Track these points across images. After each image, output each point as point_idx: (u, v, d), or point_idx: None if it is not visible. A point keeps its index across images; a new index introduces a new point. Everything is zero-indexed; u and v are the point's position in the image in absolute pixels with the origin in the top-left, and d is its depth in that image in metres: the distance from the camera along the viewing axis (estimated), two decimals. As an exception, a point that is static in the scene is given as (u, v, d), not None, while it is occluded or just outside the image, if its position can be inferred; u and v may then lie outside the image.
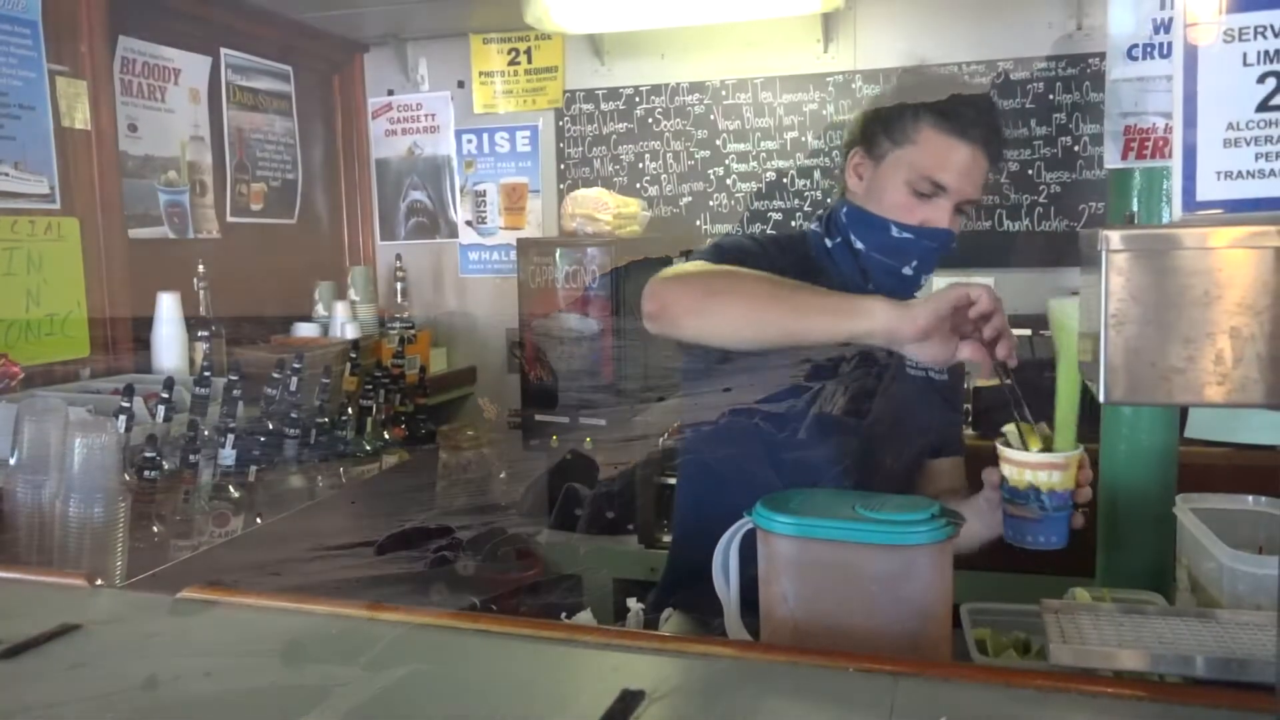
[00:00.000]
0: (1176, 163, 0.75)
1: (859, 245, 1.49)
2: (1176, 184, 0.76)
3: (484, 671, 1.03)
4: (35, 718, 0.93)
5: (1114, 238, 0.68)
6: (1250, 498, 1.28)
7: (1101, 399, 0.70)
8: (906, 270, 1.47)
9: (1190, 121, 0.75)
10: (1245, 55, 0.72)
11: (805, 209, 3.10)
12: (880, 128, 1.46)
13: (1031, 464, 1.19)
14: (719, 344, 1.33)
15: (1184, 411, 2.01)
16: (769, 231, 1.66)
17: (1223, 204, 0.74)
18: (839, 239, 1.51)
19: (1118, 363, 0.69)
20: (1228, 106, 0.73)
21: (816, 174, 3.09)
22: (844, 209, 1.51)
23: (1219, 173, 0.73)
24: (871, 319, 1.17)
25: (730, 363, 1.44)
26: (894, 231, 1.44)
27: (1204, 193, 0.74)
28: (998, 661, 1.15)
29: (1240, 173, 0.73)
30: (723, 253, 1.44)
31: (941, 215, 1.42)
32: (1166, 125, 1.53)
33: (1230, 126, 0.73)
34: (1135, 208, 1.61)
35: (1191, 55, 0.75)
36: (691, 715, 0.90)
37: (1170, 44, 1.53)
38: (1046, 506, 1.19)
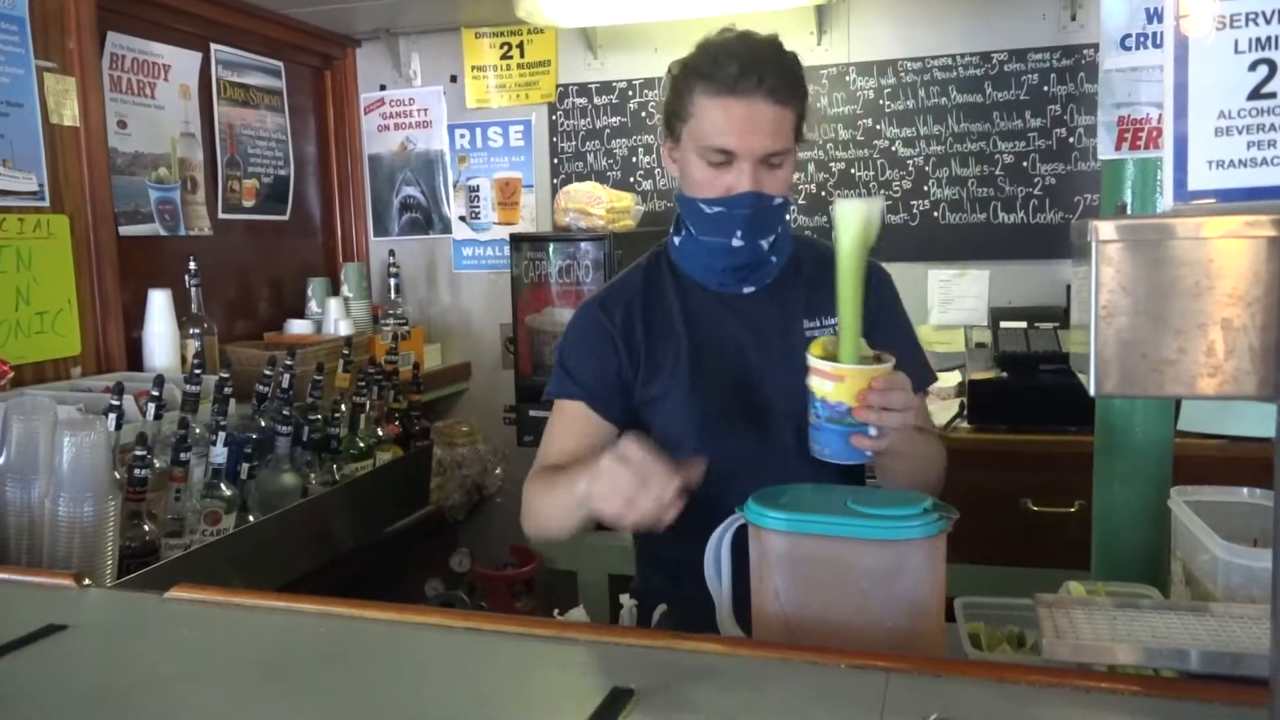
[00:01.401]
0: (1167, 152, 0.75)
1: (692, 230, 1.48)
2: (1168, 174, 0.75)
3: (474, 670, 1.02)
4: (20, 718, 0.92)
5: (1104, 228, 0.67)
6: (1245, 490, 1.27)
7: (1092, 391, 0.69)
8: (736, 241, 1.42)
9: (1181, 111, 0.74)
10: (1236, 43, 0.71)
11: (800, 202, 3.09)
12: (671, 110, 1.44)
13: (811, 368, 1.20)
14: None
15: (1177, 404, 2.00)
16: (615, 276, 1.66)
17: (1214, 193, 0.73)
18: (683, 231, 1.51)
19: (1109, 354, 0.68)
20: (1219, 95, 0.72)
21: (811, 167, 3.08)
22: (677, 201, 1.51)
23: (1210, 162, 0.72)
24: (582, 486, 1.26)
25: None
26: (705, 209, 1.41)
27: (1195, 182, 0.73)
28: (990, 656, 1.14)
29: (1232, 162, 0.72)
30: (560, 373, 1.53)
31: (742, 179, 1.37)
32: (1160, 115, 1.52)
33: (1222, 115, 0.72)
34: (1129, 199, 1.60)
35: (1182, 44, 0.74)
36: (681, 713, 0.89)
37: (1164, 34, 1.52)
38: (819, 415, 1.20)
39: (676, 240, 1.54)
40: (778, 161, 1.39)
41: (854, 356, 1.19)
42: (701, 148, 1.38)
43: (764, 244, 1.45)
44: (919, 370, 1.52)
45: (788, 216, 1.53)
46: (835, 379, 1.17)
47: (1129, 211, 1.59)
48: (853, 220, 1.16)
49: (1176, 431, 1.67)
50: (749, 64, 1.34)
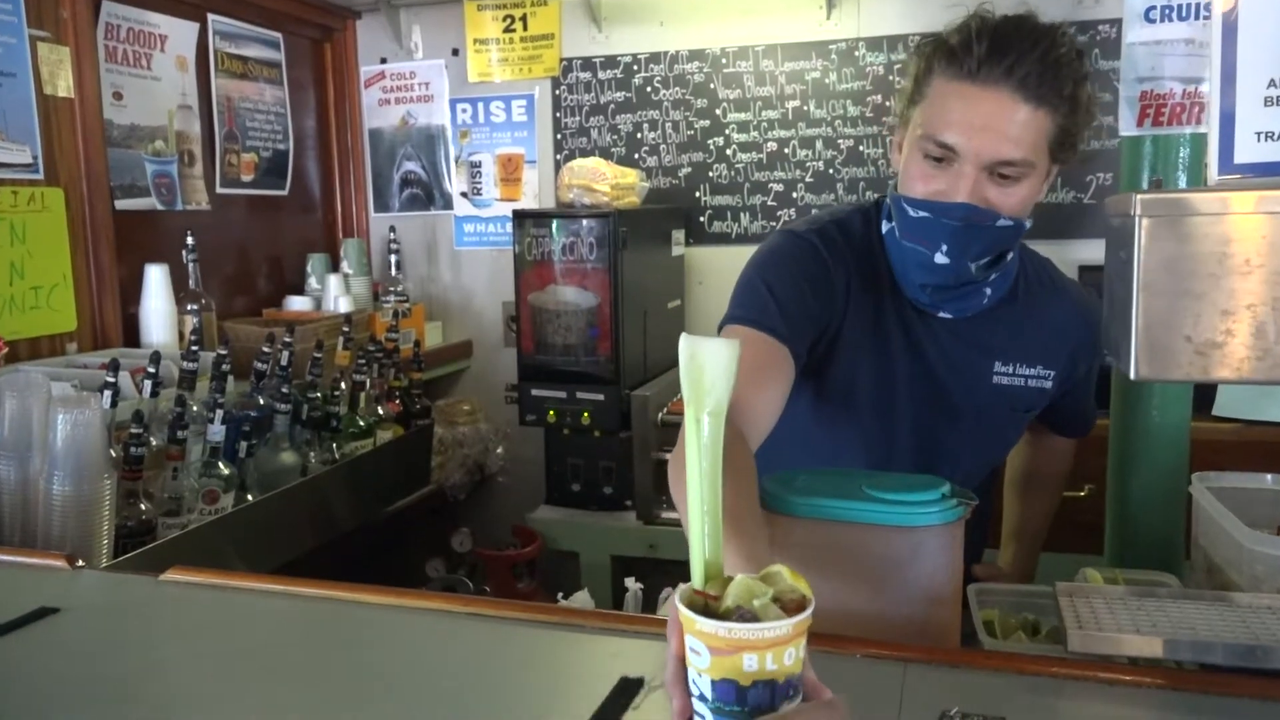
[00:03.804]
0: (1213, 123, 0.70)
1: (897, 231, 1.26)
2: (1213, 145, 0.71)
3: (478, 658, 0.99)
4: (7, 705, 0.90)
5: (1148, 202, 0.63)
6: (1269, 476, 1.24)
7: (1132, 375, 0.66)
8: (940, 258, 1.20)
9: (1229, 78, 0.70)
10: (1290, 7, 0.67)
11: (807, 180, 3.04)
12: (908, 92, 1.23)
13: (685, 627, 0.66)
14: None
15: (1212, 387, 1.95)
16: (832, 211, 1.38)
17: (1262, 167, 0.69)
18: (891, 224, 1.29)
19: (1149, 337, 0.64)
20: (1269, 64, 0.68)
21: (819, 144, 3.03)
22: (889, 196, 1.30)
23: (1259, 134, 0.68)
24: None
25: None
26: (909, 210, 1.20)
27: (1242, 155, 0.69)
28: (1011, 646, 1.11)
29: (1282, 133, 0.68)
30: (765, 269, 1.27)
31: (956, 184, 1.15)
32: (1184, 91, 1.48)
33: (1272, 84, 0.68)
34: (1148, 176, 1.56)
35: (1231, 11, 0.70)
36: (692, 705, 0.86)
37: (1188, 6, 1.47)
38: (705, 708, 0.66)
39: (885, 226, 1.31)
40: (1013, 174, 1.15)
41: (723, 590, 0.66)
42: (922, 137, 1.17)
43: (973, 267, 1.21)
44: (1084, 420, 1.54)
45: (1018, 243, 1.28)
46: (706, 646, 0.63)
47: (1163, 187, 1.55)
48: (718, 368, 0.67)
49: (1212, 416, 1.63)
50: (1001, 47, 1.11)
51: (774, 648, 0.62)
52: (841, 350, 1.31)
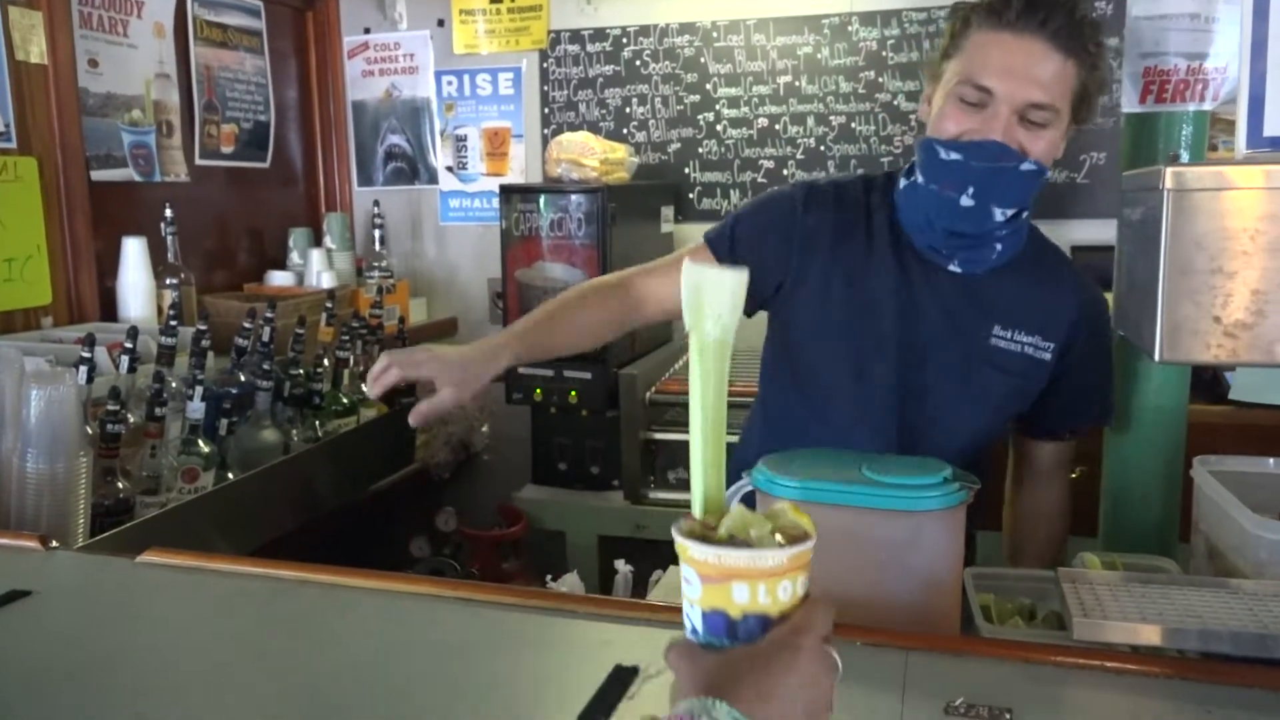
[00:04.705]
0: (1242, 95, 0.67)
1: (920, 180, 1.33)
2: (1241, 116, 0.68)
3: (466, 644, 0.96)
4: (-24, 696, 0.86)
5: (1179, 175, 0.60)
6: (1271, 460, 1.22)
7: (1156, 358, 0.63)
8: (965, 200, 1.26)
9: (1259, 50, 0.67)
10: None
11: (798, 157, 3.00)
12: (943, 49, 1.33)
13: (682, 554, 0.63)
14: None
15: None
16: (842, 175, 1.64)
17: (1291, 140, 0.66)
18: (912, 178, 1.36)
19: (1174, 318, 0.61)
20: (1302, 31, 0.65)
21: (810, 120, 2.99)
22: (916, 147, 1.37)
23: (1291, 105, 0.65)
24: None
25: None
26: (940, 151, 1.27)
27: (1272, 127, 0.66)
28: (1009, 633, 1.09)
29: (1315, 105, 0.65)
30: (726, 230, 1.47)
31: (990, 124, 1.23)
32: (1188, 67, 1.45)
33: (1305, 53, 0.65)
34: (1163, 151, 1.53)
35: (1260, -27, 0.67)
36: (689, 694, 0.84)
37: (1195, -21, 1.44)
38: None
39: (903, 183, 1.39)
40: (1042, 120, 1.24)
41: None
42: (960, 83, 1.25)
43: (998, 215, 1.28)
44: (1101, 410, 1.48)
45: (1031, 213, 1.37)
46: (698, 574, 0.61)
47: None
48: (721, 296, 0.64)
49: (1229, 401, 1.61)
50: (1035, 3, 1.22)
51: (767, 579, 0.59)
52: (810, 290, 1.40)
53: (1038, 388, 1.40)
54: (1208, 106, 1.44)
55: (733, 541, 0.60)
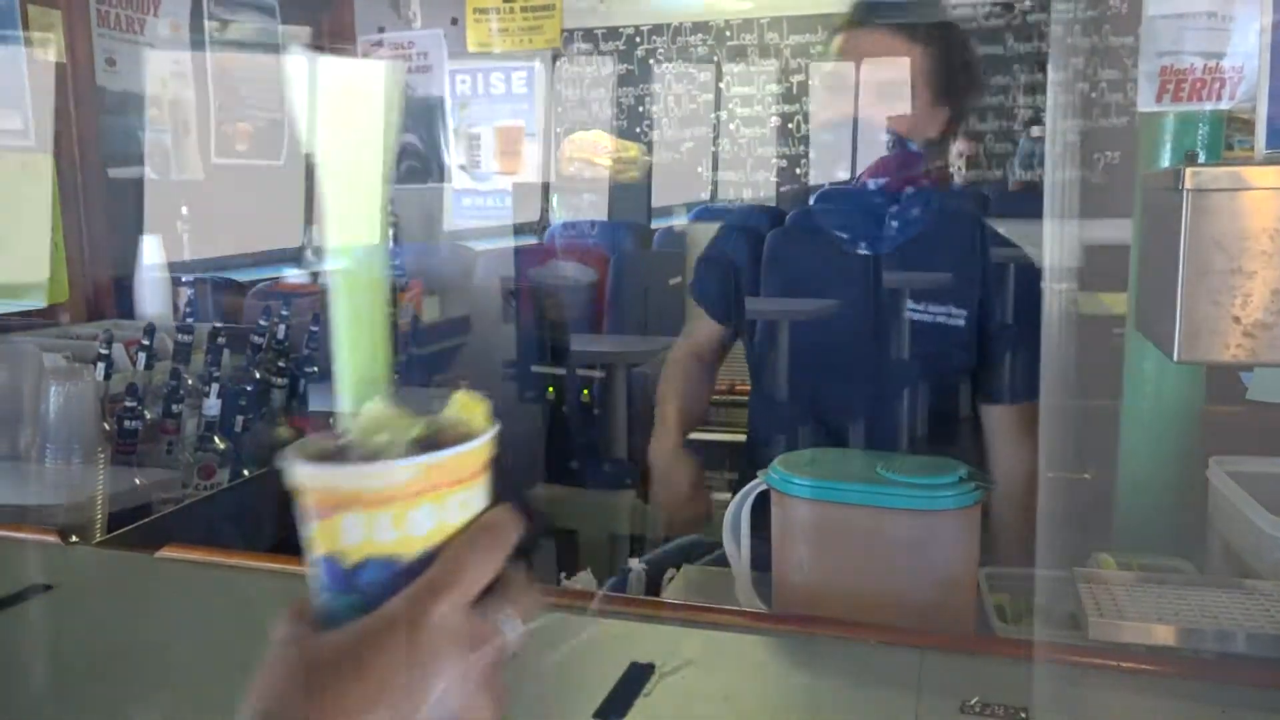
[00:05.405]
0: (1262, 93, 0.67)
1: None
2: (1261, 116, 0.68)
3: (481, 640, 0.97)
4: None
5: (1199, 175, 0.60)
6: (1288, 461, 1.21)
7: (1174, 357, 0.63)
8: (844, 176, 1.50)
9: None
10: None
11: (811, 155, 3.00)
12: None
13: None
14: None
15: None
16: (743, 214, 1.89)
17: (1313, 140, 0.66)
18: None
19: (1194, 317, 0.61)
20: (1323, 30, 0.65)
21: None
22: None
23: (1311, 105, 0.65)
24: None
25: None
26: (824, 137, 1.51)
27: (1293, 127, 0.66)
28: (1024, 633, 1.09)
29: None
30: (698, 287, 1.69)
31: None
32: (1205, 66, 1.44)
33: (1326, 52, 0.65)
34: (1165, 155, 1.53)
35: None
36: (705, 691, 0.84)
37: (1214, -22, 1.44)
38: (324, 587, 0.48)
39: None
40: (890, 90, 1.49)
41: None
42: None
43: (872, 185, 1.47)
44: (1025, 384, 1.49)
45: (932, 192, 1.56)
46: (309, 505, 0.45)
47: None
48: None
49: (1245, 401, 1.61)
50: None
51: (387, 505, 0.41)
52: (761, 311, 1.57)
53: (966, 354, 1.48)
54: (1224, 106, 1.43)
55: (350, 453, 0.42)
